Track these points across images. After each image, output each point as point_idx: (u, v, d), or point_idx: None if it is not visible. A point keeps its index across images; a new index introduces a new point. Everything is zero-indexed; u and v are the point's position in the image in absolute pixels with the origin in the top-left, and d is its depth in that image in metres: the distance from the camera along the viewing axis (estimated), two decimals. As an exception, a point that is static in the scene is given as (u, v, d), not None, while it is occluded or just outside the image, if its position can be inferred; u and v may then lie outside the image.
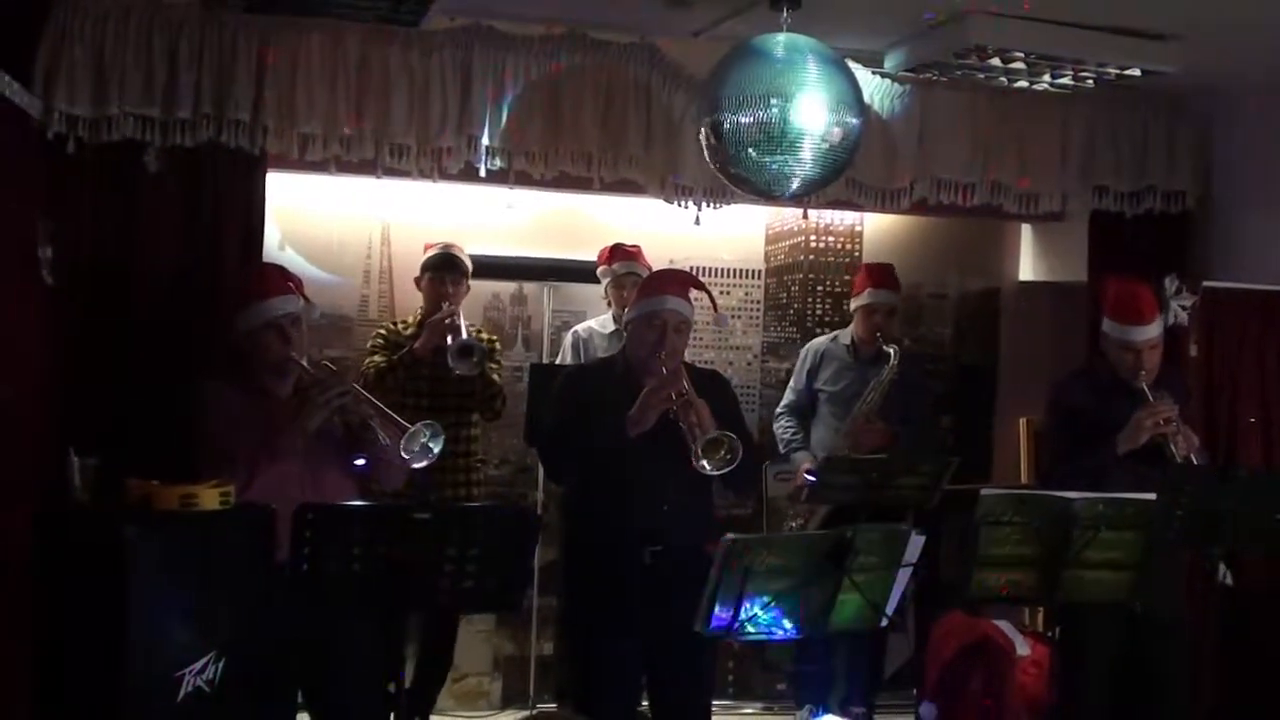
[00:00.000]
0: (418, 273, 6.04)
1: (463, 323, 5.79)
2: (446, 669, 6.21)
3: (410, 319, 6.05)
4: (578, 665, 4.94)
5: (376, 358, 5.87)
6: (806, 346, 6.59)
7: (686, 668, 4.60)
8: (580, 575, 4.85)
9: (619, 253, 6.31)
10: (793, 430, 6.43)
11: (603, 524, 4.64)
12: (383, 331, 6.03)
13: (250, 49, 5.33)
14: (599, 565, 4.63)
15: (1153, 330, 5.07)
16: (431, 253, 6.00)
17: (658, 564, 4.52)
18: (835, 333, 6.56)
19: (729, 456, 4.38)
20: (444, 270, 5.94)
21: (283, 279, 4.78)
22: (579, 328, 6.55)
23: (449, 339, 5.72)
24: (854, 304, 6.39)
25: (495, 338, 6.18)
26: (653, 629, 4.51)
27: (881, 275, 6.38)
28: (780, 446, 6.46)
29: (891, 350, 6.14)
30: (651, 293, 4.72)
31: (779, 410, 6.56)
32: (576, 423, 4.63)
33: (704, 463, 4.38)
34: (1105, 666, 4.87)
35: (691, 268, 6.73)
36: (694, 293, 4.82)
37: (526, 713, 6.59)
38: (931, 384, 6.99)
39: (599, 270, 6.38)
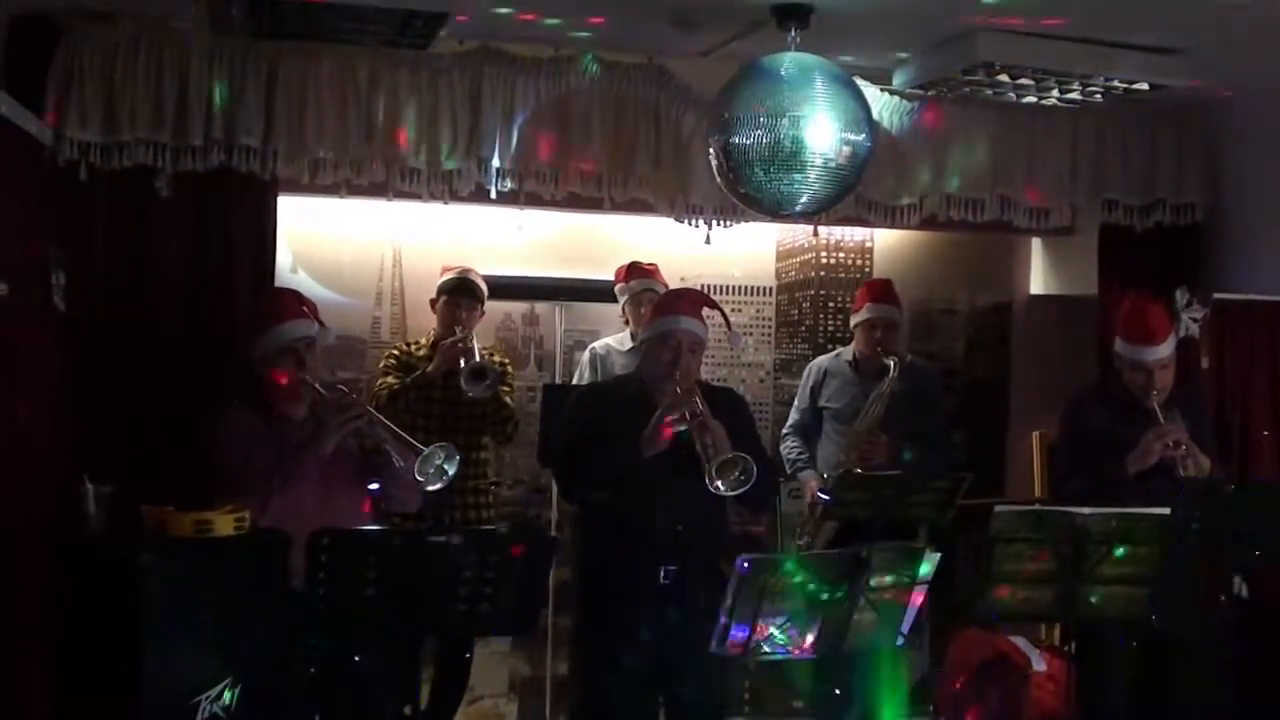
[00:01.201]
0: (433, 294, 6.04)
1: (476, 346, 5.79)
2: (463, 691, 6.20)
3: (423, 341, 6.04)
4: (592, 685, 4.93)
5: (389, 379, 5.87)
6: (809, 365, 6.58)
7: (702, 686, 4.60)
8: (595, 594, 4.86)
9: (636, 271, 6.31)
10: (799, 450, 6.42)
11: (617, 543, 4.64)
12: (395, 353, 6.02)
13: (259, 74, 5.35)
14: (614, 584, 4.63)
15: (1164, 350, 5.07)
16: (448, 276, 6.00)
17: (673, 583, 4.52)
18: (838, 350, 6.56)
19: (743, 477, 4.38)
20: (459, 294, 5.94)
21: (298, 304, 4.81)
22: (596, 345, 6.54)
23: (462, 362, 5.72)
24: (854, 320, 6.38)
25: (507, 361, 6.18)
26: (668, 648, 4.50)
27: (880, 291, 6.37)
28: (787, 466, 6.44)
29: (890, 363, 6.14)
30: (665, 313, 4.73)
31: (785, 431, 6.54)
32: (591, 442, 4.63)
33: (718, 483, 4.38)
34: (1123, 682, 4.86)
35: (703, 285, 6.74)
36: (707, 311, 4.83)
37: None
38: (945, 398, 6.96)
39: (616, 288, 6.38)
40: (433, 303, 6.04)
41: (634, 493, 4.53)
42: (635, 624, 4.53)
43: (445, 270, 6.05)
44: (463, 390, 5.68)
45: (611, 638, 4.64)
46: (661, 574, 4.52)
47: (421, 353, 5.96)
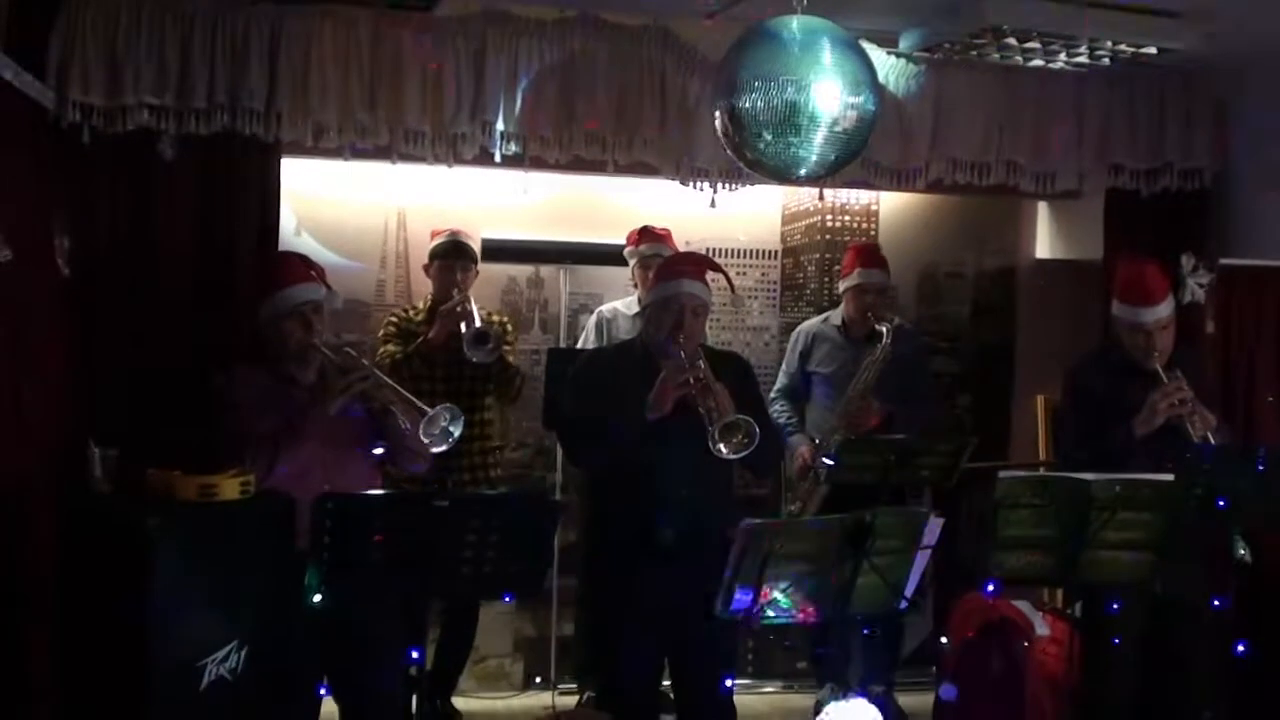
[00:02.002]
0: (426, 260, 6.05)
1: (475, 309, 5.79)
2: (468, 651, 6.23)
3: (420, 305, 6.04)
4: (598, 647, 4.95)
5: (390, 346, 5.86)
6: (797, 330, 6.58)
7: (707, 648, 4.61)
8: (600, 558, 4.87)
9: (647, 234, 6.29)
10: (787, 414, 6.41)
11: (622, 507, 4.65)
12: (394, 319, 6.02)
13: (263, 37, 5.32)
14: (619, 548, 4.64)
15: (1162, 310, 5.04)
16: (439, 240, 6.00)
17: (678, 546, 4.53)
18: (826, 314, 6.56)
19: (746, 440, 4.38)
20: (453, 257, 5.94)
21: (304, 267, 4.81)
22: (603, 308, 6.54)
23: (463, 326, 5.72)
24: (843, 285, 6.37)
25: (506, 319, 6.17)
26: (673, 611, 4.51)
27: (870, 255, 6.36)
28: None
29: (884, 329, 6.12)
30: (668, 277, 4.72)
31: (772, 394, 6.50)
32: (595, 406, 4.63)
33: (721, 446, 4.37)
34: (1128, 647, 4.87)
35: (708, 249, 6.72)
36: (711, 275, 4.83)
37: (547, 693, 6.60)
38: (931, 361, 6.96)
39: (626, 251, 6.35)
40: (426, 268, 6.04)
41: (639, 456, 4.53)
42: (640, 587, 4.55)
43: (435, 234, 6.05)
44: (465, 353, 5.68)
45: (616, 600, 4.66)
46: (666, 537, 4.53)
47: (420, 318, 5.95)
